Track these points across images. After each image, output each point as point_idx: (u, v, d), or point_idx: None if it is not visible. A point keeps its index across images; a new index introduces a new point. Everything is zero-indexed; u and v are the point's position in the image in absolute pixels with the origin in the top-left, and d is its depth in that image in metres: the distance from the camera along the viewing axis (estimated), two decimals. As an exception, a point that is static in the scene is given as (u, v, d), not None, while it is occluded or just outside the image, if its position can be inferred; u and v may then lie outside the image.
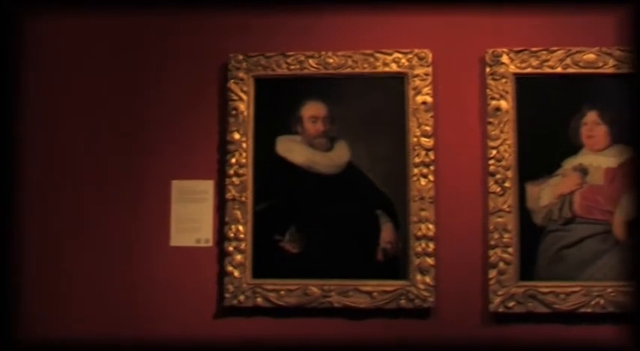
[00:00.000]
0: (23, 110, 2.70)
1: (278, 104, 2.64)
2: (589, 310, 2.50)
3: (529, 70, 2.60)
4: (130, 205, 2.67)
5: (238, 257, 2.58)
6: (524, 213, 2.56)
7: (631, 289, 2.46)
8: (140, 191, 2.68)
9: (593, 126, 2.58)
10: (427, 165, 2.57)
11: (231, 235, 2.59)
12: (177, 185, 2.67)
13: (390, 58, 2.62)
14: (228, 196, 2.60)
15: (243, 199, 2.60)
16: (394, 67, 2.61)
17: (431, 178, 2.56)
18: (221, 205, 2.63)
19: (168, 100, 2.71)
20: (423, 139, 2.58)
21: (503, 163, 2.56)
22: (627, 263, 2.49)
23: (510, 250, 2.53)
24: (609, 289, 2.50)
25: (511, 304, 2.52)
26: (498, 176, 2.56)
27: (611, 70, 2.59)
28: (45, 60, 2.75)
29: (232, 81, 2.64)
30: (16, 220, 2.63)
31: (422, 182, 2.56)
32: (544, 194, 2.57)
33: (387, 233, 2.58)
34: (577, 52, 2.59)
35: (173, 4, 2.71)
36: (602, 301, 2.50)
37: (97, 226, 2.67)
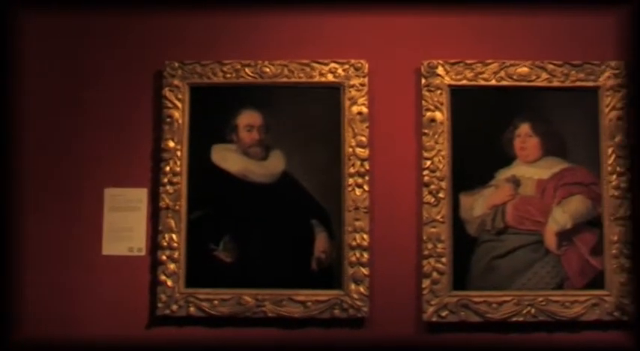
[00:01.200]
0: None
1: (213, 112, 2.63)
2: (520, 319, 2.54)
3: (464, 82, 2.63)
4: (62, 212, 2.63)
5: (171, 266, 2.56)
6: (457, 223, 2.59)
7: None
8: (72, 199, 2.63)
9: (525, 138, 2.62)
10: (362, 175, 2.58)
11: (165, 243, 2.56)
12: (110, 193, 2.63)
13: (326, 68, 2.62)
14: (162, 204, 2.58)
15: (177, 207, 2.58)
16: (330, 77, 2.62)
17: (366, 188, 2.58)
18: (155, 214, 2.60)
19: (102, 107, 2.67)
20: (359, 150, 2.59)
21: (438, 173, 2.59)
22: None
23: (444, 260, 2.56)
24: (540, 298, 2.55)
25: (444, 313, 2.54)
26: (432, 187, 2.58)
27: (543, 83, 2.64)
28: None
29: (167, 88, 2.62)
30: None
31: (357, 192, 2.57)
32: (477, 205, 2.60)
33: (321, 243, 2.58)
34: (511, 65, 2.64)
35: (108, 9, 2.69)
36: (533, 310, 2.54)
37: (28, 233, 2.61)
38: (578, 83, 2.63)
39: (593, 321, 2.55)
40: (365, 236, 2.56)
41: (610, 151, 2.60)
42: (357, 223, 2.56)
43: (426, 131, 2.61)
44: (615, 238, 2.57)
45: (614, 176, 2.59)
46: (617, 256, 2.56)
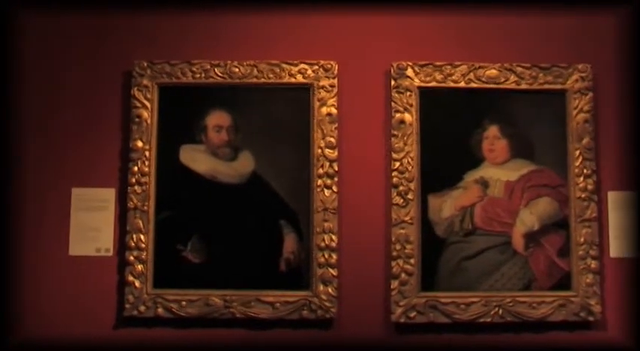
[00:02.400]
0: None
1: (182, 113, 2.62)
2: (488, 320, 2.56)
3: (433, 83, 2.64)
4: (29, 212, 2.60)
5: (139, 267, 2.55)
6: (426, 225, 2.60)
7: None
8: (39, 198, 2.61)
9: (493, 140, 2.64)
10: (331, 176, 2.58)
11: (133, 244, 2.55)
12: (77, 193, 2.61)
13: (295, 68, 2.62)
14: (130, 204, 2.57)
15: (145, 208, 2.56)
16: (300, 78, 2.62)
17: (334, 189, 2.58)
18: (122, 214, 2.59)
19: (70, 106, 2.65)
20: (328, 151, 2.59)
21: (407, 175, 2.60)
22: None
23: (412, 261, 2.57)
24: (508, 299, 2.56)
25: (412, 314, 2.55)
26: (401, 188, 2.59)
27: (512, 86, 2.66)
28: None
29: (136, 88, 2.61)
30: None
31: (326, 193, 2.58)
32: (446, 206, 2.61)
33: (290, 243, 2.58)
34: (480, 67, 2.65)
35: (77, 8, 2.67)
36: (500, 311, 2.56)
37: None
38: (546, 86, 2.66)
39: (560, 321, 2.57)
40: (333, 237, 2.56)
41: (577, 153, 2.62)
42: (326, 224, 2.56)
43: (395, 133, 2.61)
44: (582, 239, 2.59)
45: (581, 178, 2.61)
46: (584, 258, 2.59)
